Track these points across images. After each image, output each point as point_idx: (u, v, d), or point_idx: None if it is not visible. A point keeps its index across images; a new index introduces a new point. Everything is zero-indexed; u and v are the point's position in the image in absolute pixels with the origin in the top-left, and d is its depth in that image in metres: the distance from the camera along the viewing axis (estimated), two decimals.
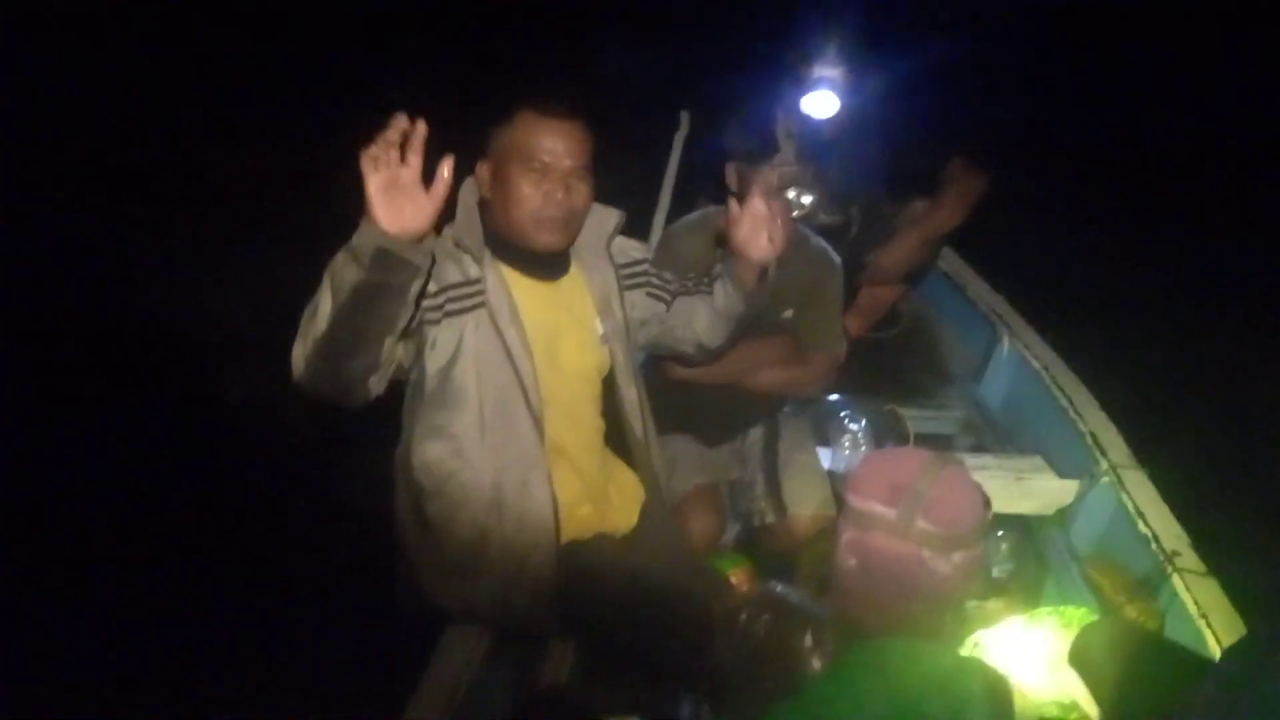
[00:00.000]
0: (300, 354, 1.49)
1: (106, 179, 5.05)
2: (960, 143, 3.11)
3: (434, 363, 1.65)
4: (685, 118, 3.35)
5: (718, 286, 1.87)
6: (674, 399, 2.21)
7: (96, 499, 3.06)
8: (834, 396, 2.61)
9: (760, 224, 1.72)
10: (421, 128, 1.37)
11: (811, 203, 2.19)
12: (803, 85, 2.66)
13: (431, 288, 1.61)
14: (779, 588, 1.34)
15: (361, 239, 1.38)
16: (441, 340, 1.64)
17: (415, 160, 1.38)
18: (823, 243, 2.38)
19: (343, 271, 1.40)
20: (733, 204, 1.76)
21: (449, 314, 1.64)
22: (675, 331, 1.97)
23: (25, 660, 2.38)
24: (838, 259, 2.39)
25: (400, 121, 1.35)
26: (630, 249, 1.95)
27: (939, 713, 1.04)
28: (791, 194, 2.15)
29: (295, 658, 2.46)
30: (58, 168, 4.92)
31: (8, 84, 5.02)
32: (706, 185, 2.54)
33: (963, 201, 3.12)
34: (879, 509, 1.22)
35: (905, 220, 3.18)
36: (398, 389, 1.72)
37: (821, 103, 2.69)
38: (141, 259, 4.26)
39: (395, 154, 1.37)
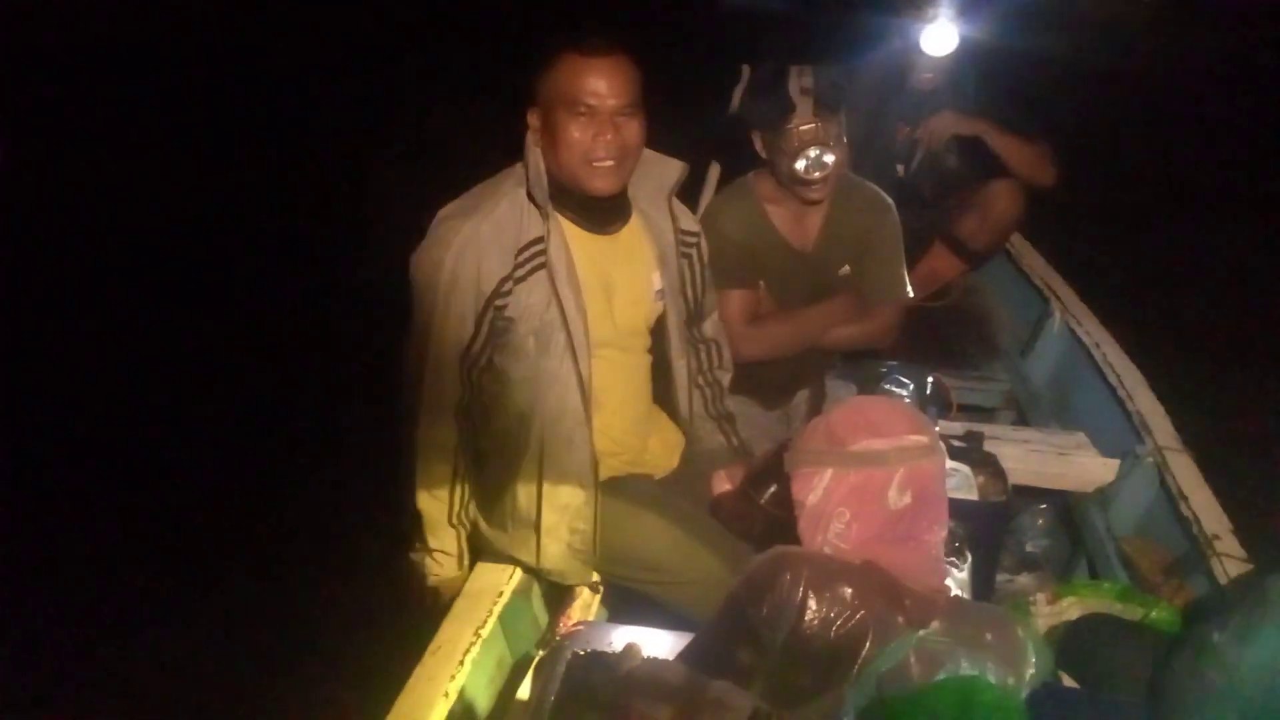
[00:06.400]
0: None
1: None
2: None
3: (498, 335, 1.66)
4: (747, 72, 3.24)
5: None
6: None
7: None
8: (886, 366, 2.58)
9: None
10: None
11: (835, 161, 2.05)
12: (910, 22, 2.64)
13: (503, 268, 1.62)
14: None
15: None
16: (508, 312, 1.65)
17: None
18: (873, 187, 2.30)
19: None
20: None
21: (517, 280, 1.64)
22: (704, 331, 2.00)
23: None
24: (889, 200, 2.30)
25: None
26: (688, 217, 1.92)
27: None
28: (813, 153, 2.03)
29: (331, 583, 2.54)
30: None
31: None
32: (729, 157, 2.48)
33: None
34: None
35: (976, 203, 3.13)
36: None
37: (941, 36, 2.68)
38: None
39: None
